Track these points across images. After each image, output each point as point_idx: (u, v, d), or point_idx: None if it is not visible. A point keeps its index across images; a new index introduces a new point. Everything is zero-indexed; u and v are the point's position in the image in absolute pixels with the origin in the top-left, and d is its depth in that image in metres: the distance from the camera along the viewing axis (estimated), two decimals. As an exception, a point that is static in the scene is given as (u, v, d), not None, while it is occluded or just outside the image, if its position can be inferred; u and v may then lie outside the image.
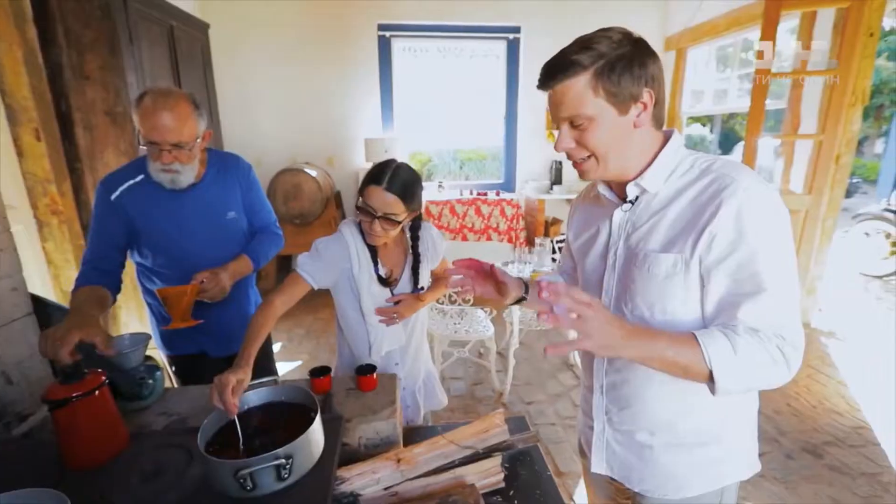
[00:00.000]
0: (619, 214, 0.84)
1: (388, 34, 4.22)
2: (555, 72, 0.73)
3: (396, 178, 1.15)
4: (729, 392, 0.70)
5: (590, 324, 0.64)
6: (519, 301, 1.04)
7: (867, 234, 4.69)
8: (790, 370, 0.70)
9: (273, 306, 1.15)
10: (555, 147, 0.79)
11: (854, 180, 9.24)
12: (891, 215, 4.53)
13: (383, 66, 4.27)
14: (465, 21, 4.27)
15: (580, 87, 0.72)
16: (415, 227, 1.32)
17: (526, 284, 1.05)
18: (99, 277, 1.26)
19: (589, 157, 0.78)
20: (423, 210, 4.86)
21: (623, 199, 0.84)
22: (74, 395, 0.87)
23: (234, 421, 0.93)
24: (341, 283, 1.28)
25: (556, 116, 0.77)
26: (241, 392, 0.93)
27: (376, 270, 1.27)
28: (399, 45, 4.36)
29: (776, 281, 0.69)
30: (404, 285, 1.33)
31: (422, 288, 1.34)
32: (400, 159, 1.22)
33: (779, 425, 2.28)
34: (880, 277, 4.56)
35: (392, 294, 1.31)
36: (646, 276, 0.78)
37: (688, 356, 0.69)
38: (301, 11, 4.02)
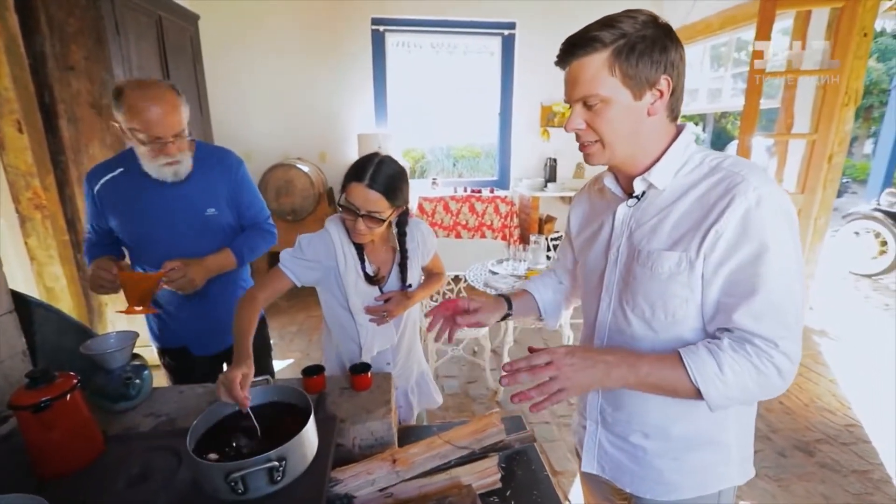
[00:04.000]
0: (623, 210, 0.82)
1: (381, 28, 4.17)
2: (574, 48, 0.71)
3: (380, 174, 1.11)
4: (723, 407, 0.70)
5: (560, 381, 0.68)
6: (505, 318, 1.03)
7: (857, 233, 4.75)
8: (784, 381, 0.68)
9: (256, 300, 1.14)
10: (565, 127, 0.77)
11: (844, 180, 9.38)
12: (880, 215, 4.59)
13: (377, 60, 4.23)
14: (460, 16, 4.24)
15: (597, 66, 0.69)
16: (401, 222, 1.28)
17: (508, 301, 1.03)
18: (101, 253, 1.35)
19: (596, 141, 0.75)
20: (414, 206, 4.76)
21: (629, 193, 0.81)
22: (43, 399, 0.82)
23: (222, 421, 0.91)
24: (328, 282, 1.25)
25: (571, 96, 0.74)
26: (248, 385, 0.92)
27: (363, 268, 1.24)
28: (393, 40, 4.32)
29: (776, 285, 0.67)
30: (393, 283, 1.30)
31: (409, 285, 1.31)
32: (393, 155, 1.19)
33: (771, 423, 2.30)
34: (869, 276, 4.62)
35: (381, 292, 1.28)
36: (648, 274, 0.76)
37: (672, 377, 0.69)
38: (294, 3, 3.96)
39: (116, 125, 1.20)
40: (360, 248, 1.24)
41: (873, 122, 12.34)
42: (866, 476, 1.95)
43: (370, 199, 1.11)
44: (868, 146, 12.56)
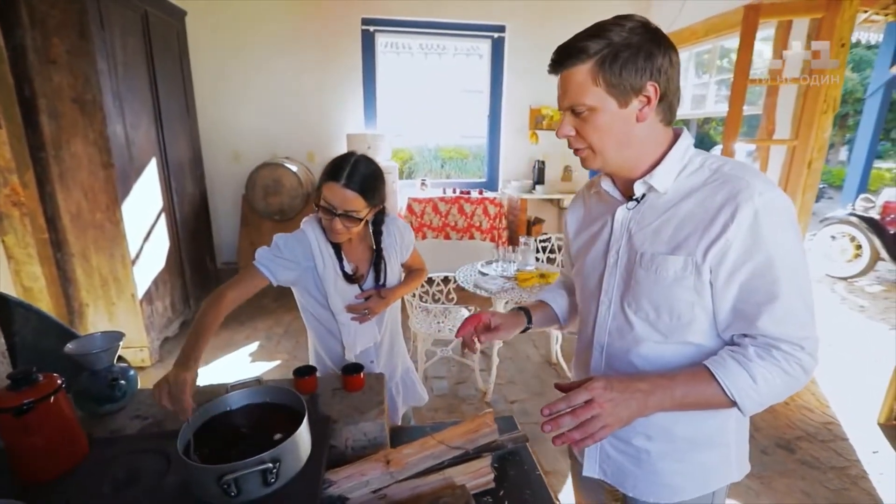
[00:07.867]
0: (622, 212, 0.82)
1: (372, 28, 4.16)
2: (562, 57, 0.72)
3: (356, 174, 1.11)
4: (756, 412, 0.72)
5: (602, 418, 0.65)
6: (525, 331, 1.01)
7: (833, 237, 4.89)
8: (808, 377, 0.71)
9: (224, 299, 1.07)
10: (556, 133, 0.78)
11: (821, 186, 9.65)
12: (855, 219, 4.73)
13: (367, 60, 4.21)
14: (450, 18, 4.25)
15: (581, 76, 0.70)
16: (377, 221, 1.27)
17: (528, 314, 1.01)
18: None
19: (586, 147, 0.76)
20: (404, 207, 4.77)
21: (628, 196, 0.81)
22: (26, 402, 0.78)
23: (208, 423, 0.89)
24: (306, 282, 1.23)
25: (561, 103, 0.75)
26: (193, 392, 0.88)
27: (341, 267, 1.23)
28: (383, 41, 4.31)
29: (792, 287, 0.68)
30: (372, 281, 1.30)
31: (383, 284, 1.30)
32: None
33: (754, 421, 2.34)
34: (845, 279, 4.76)
35: (361, 290, 1.27)
36: (653, 277, 0.75)
37: (708, 393, 0.70)
38: (283, 1, 3.92)
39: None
40: (337, 248, 1.23)
41: (848, 130, 12.75)
42: (844, 472, 2.00)
43: (347, 198, 1.10)
44: (843, 153, 12.98)
